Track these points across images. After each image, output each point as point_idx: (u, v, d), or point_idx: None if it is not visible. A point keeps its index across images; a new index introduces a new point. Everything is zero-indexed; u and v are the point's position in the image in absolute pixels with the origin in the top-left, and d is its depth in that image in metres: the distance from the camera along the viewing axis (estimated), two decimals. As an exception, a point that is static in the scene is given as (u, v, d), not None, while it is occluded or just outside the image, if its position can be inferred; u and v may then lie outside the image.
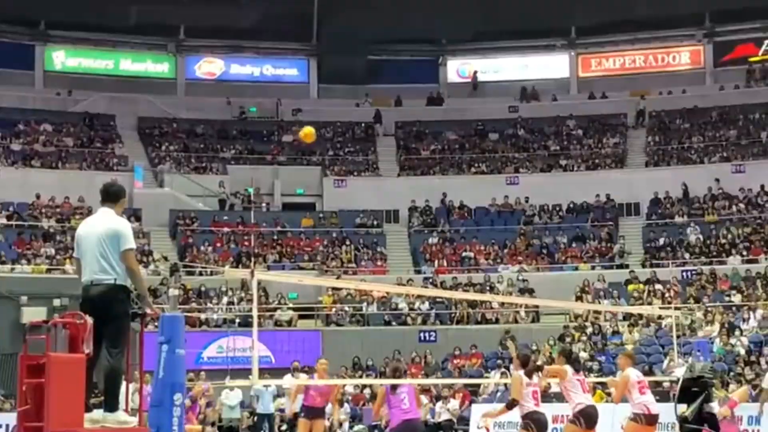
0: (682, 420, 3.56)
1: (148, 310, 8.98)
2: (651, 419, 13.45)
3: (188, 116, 42.49)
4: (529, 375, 12.49)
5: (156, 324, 10.59)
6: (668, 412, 19.30)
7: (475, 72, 44.95)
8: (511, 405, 12.76)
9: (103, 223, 8.69)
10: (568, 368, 12.55)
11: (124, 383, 8.88)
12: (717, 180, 36.92)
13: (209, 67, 44.69)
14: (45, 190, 35.67)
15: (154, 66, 44.27)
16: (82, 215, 33.86)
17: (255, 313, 11.08)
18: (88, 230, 8.77)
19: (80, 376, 8.23)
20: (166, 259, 32.34)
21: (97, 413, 8.68)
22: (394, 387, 12.77)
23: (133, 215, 35.45)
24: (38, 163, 37.62)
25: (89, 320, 8.34)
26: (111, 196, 8.90)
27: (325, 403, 15.53)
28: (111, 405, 8.65)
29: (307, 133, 13.21)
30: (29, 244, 33.02)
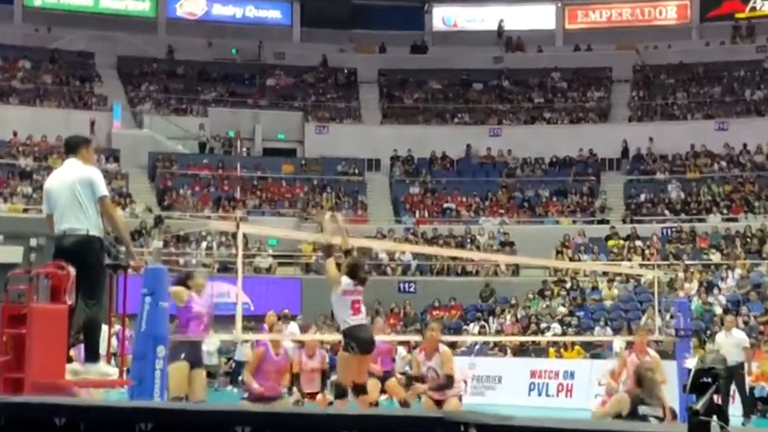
0: (693, 413, 3.49)
1: (131, 262, 8.76)
2: None
3: (168, 56, 41.85)
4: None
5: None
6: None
7: (501, 20, 43.86)
8: None
9: (73, 173, 8.49)
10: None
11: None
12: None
13: (191, 6, 43.89)
14: (22, 128, 35.15)
15: (135, 4, 43.45)
16: (59, 154, 33.39)
17: (240, 266, 10.82)
18: (57, 181, 8.57)
19: (62, 327, 8.08)
20: (150, 210, 31.94)
21: (77, 364, 8.56)
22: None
23: (112, 156, 35.07)
24: (16, 100, 37.03)
25: (72, 271, 8.17)
26: (71, 147, 8.74)
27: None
28: (92, 356, 8.52)
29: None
30: (6, 182, 32.61)
